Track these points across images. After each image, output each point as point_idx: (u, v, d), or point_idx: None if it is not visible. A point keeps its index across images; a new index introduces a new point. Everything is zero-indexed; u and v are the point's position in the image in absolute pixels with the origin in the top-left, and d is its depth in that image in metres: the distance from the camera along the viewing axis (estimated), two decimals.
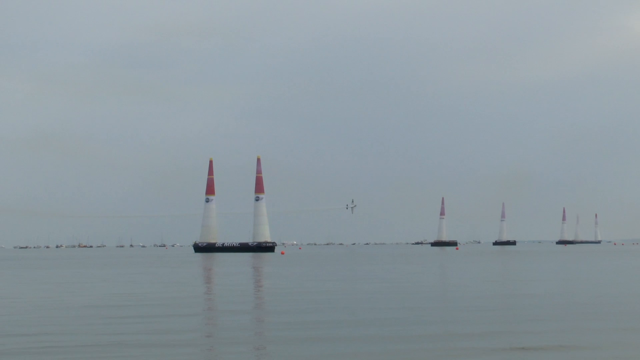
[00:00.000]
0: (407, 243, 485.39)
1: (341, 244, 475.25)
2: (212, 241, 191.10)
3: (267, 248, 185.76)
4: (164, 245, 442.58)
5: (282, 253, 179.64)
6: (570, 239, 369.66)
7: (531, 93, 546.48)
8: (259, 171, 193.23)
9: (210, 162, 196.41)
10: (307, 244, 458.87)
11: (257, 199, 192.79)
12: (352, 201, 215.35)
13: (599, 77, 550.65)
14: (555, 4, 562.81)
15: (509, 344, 20.26)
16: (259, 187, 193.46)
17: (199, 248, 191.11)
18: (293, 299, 35.62)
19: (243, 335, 22.77)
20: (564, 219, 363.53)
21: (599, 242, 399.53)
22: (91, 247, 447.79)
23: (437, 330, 23.50)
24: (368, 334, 22.29)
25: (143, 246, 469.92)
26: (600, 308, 29.80)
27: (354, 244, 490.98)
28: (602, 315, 27.09)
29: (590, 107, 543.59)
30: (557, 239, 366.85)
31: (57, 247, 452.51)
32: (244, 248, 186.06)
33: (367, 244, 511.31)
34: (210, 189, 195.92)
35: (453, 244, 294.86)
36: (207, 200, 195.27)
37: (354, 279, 54.50)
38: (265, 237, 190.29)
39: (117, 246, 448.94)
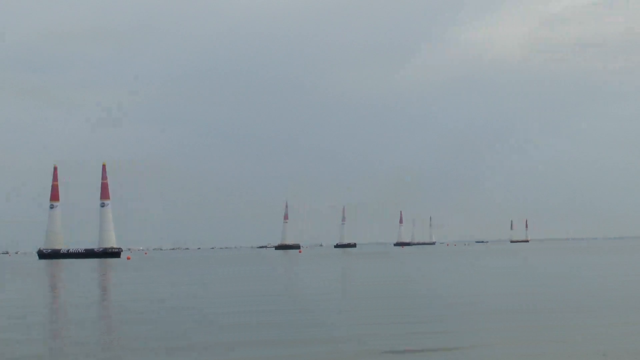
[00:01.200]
0: (252, 247, 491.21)
1: (187, 249, 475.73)
2: (57, 247, 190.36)
3: (112, 254, 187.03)
4: (7, 252, 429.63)
5: (128, 258, 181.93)
6: (407, 240, 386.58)
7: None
8: (104, 177, 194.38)
9: (55, 168, 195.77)
10: (154, 249, 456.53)
11: (102, 205, 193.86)
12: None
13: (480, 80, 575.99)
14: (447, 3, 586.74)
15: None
16: (104, 194, 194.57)
17: (43, 255, 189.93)
18: (141, 307, 35.28)
19: (91, 349, 21.25)
20: (400, 221, 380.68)
21: (433, 243, 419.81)
22: None
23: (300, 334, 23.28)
24: (226, 340, 22.04)
25: None
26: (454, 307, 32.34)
27: (199, 248, 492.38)
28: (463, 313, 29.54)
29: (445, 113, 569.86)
30: (395, 241, 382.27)
31: None
32: (89, 254, 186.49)
33: (212, 248, 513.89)
34: (54, 196, 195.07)
35: (296, 247, 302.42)
36: (52, 207, 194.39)
37: (203, 283, 59.25)
38: (111, 243, 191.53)
39: None
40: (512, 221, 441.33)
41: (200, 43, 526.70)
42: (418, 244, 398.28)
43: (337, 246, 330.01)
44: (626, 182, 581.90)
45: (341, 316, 28.71)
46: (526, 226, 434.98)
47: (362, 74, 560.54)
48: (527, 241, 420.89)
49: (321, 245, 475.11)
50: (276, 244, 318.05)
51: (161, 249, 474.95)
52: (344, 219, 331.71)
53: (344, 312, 30.44)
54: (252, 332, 23.68)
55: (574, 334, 21.81)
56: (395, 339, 21.32)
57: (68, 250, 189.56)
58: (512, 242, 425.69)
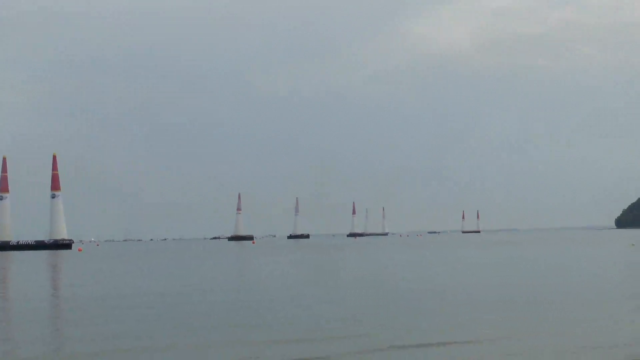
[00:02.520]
0: (205, 238, 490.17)
1: (140, 240, 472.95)
2: (6, 239, 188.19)
3: (63, 245, 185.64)
4: None
5: (80, 250, 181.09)
6: (360, 231, 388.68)
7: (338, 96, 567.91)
8: (54, 168, 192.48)
9: (4, 159, 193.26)
10: (105, 241, 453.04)
11: (53, 197, 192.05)
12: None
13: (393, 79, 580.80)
14: (365, 6, 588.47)
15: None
16: (54, 185, 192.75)
17: None
18: (94, 302, 35.05)
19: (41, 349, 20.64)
20: (353, 212, 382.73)
21: (386, 234, 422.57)
22: None
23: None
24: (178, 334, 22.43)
25: None
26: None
27: (151, 239, 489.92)
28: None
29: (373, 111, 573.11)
30: (348, 232, 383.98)
31: None
32: (40, 246, 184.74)
33: (165, 239, 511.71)
34: (4, 187, 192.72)
35: (249, 238, 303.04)
36: (1, 198, 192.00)
37: (151, 276, 59.87)
38: (62, 234, 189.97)
39: None
40: (463, 212, 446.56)
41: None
42: (371, 234, 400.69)
43: (290, 237, 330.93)
44: (570, 175, 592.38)
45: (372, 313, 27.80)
46: (478, 217, 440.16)
47: (299, 70, 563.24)
48: (478, 232, 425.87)
49: (274, 236, 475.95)
50: (229, 235, 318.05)
51: (113, 241, 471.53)
52: (297, 210, 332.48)
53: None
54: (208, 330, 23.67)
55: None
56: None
57: (18, 242, 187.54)
58: (463, 232, 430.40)
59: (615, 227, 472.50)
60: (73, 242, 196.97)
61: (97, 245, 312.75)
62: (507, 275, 48.01)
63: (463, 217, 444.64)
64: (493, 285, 39.29)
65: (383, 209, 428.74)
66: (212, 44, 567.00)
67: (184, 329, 23.60)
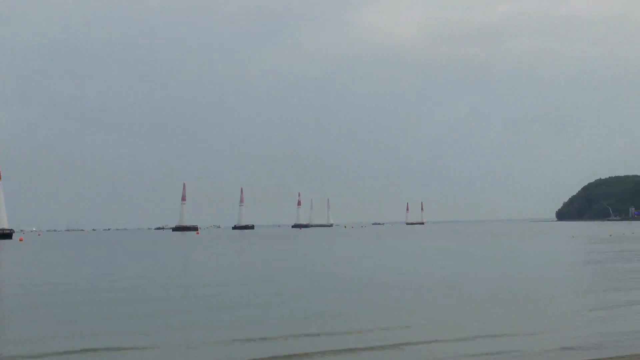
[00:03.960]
0: (149, 228, 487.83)
1: (82, 230, 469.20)
2: None
3: (4, 235, 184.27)
4: None
5: (21, 240, 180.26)
6: (305, 222, 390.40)
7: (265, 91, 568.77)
8: None
9: None
10: (47, 231, 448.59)
11: None
12: None
13: (328, 74, 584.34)
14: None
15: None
16: None
17: None
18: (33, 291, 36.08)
19: None
20: (299, 203, 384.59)
21: (331, 225, 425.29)
22: None
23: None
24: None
25: None
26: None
27: (94, 229, 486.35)
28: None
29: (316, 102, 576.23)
30: (293, 223, 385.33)
31: None
32: None
33: (108, 229, 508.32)
34: None
35: (194, 228, 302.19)
36: None
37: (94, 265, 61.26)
38: (3, 224, 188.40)
39: None
40: (408, 203, 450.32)
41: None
42: (316, 225, 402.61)
43: (235, 228, 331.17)
44: (514, 167, 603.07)
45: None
46: (422, 209, 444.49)
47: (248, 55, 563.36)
48: (422, 223, 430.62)
49: (219, 227, 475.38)
50: (174, 225, 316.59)
51: (55, 230, 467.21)
52: (242, 200, 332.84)
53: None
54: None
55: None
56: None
57: None
58: (407, 224, 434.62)
59: (556, 219, 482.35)
60: (14, 232, 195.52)
61: (39, 235, 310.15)
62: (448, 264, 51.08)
63: (407, 209, 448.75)
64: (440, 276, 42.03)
65: (328, 200, 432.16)
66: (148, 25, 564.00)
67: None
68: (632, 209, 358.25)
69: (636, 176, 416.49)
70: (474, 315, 24.08)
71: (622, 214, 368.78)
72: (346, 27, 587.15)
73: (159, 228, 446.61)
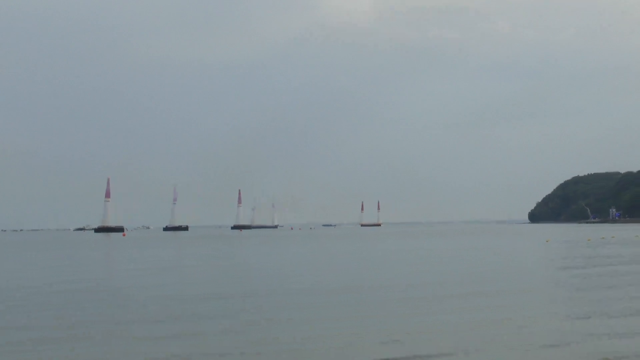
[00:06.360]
0: (68, 229, 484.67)
1: None
2: None
3: None
4: None
5: None
6: (247, 223, 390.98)
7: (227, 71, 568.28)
8: None
9: None
10: None
11: None
12: None
13: (289, 55, 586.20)
14: None
15: None
16: None
17: None
18: None
19: None
20: (239, 202, 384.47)
21: (276, 226, 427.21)
22: None
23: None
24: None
25: None
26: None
27: (4, 230, 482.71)
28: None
29: (279, 87, 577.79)
30: (233, 224, 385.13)
31: None
32: None
33: (20, 230, 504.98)
34: None
35: (120, 229, 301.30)
36: None
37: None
38: None
39: None
40: (362, 203, 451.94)
41: None
42: (259, 227, 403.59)
43: (166, 229, 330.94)
44: (483, 164, 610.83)
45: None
46: (378, 208, 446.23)
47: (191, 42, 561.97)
48: (378, 225, 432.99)
49: (148, 228, 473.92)
50: (96, 226, 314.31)
51: None
52: (175, 198, 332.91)
53: None
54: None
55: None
56: None
57: None
58: (362, 225, 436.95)
59: (529, 221, 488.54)
60: None
61: None
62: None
63: (362, 209, 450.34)
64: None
65: (273, 200, 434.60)
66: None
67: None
68: (612, 210, 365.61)
69: (618, 173, 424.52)
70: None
71: (603, 216, 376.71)
72: (306, 10, 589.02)
73: (79, 229, 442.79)
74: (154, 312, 28.36)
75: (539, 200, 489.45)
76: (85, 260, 75.84)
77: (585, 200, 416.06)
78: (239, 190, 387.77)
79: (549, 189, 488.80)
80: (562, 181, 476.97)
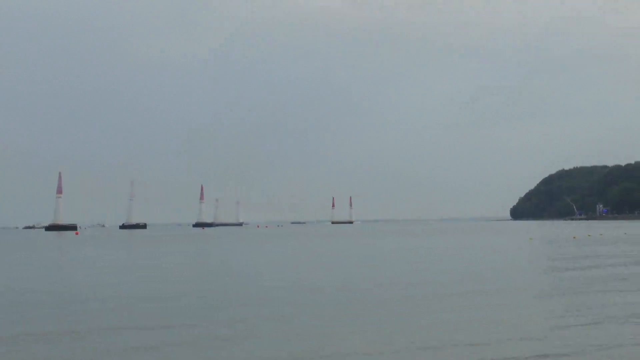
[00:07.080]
0: (16, 227, 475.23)
1: None
2: None
3: None
4: None
5: None
6: (210, 220, 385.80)
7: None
8: None
9: None
10: None
11: None
12: None
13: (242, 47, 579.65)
14: None
15: None
16: None
17: None
18: None
19: None
20: (201, 197, 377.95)
21: (240, 224, 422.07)
22: None
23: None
24: None
25: None
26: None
27: None
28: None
29: (237, 85, 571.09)
30: (195, 221, 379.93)
31: None
32: None
33: None
34: None
35: (72, 227, 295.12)
36: None
37: None
38: None
39: None
40: (333, 198, 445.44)
41: None
42: (223, 224, 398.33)
43: (123, 227, 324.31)
44: (463, 159, 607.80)
45: None
46: (350, 205, 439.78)
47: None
48: (351, 222, 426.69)
49: (103, 226, 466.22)
50: (47, 224, 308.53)
51: None
52: (132, 195, 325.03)
53: None
54: None
55: None
56: None
57: None
58: (333, 223, 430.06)
59: (510, 218, 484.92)
60: None
61: None
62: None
63: (333, 205, 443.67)
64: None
65: (238, 202, 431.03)
66: None
67: None
68: (599, 206, 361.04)
69: (605, 167, 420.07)
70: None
71: (589, 212, 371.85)
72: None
73: (28, 227, 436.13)
74: None
75: (522, 196, 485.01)
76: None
77: (570, 195, 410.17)
78: (201, 186, 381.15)
79: (531, 184, 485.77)
80: (545, 175, 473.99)
